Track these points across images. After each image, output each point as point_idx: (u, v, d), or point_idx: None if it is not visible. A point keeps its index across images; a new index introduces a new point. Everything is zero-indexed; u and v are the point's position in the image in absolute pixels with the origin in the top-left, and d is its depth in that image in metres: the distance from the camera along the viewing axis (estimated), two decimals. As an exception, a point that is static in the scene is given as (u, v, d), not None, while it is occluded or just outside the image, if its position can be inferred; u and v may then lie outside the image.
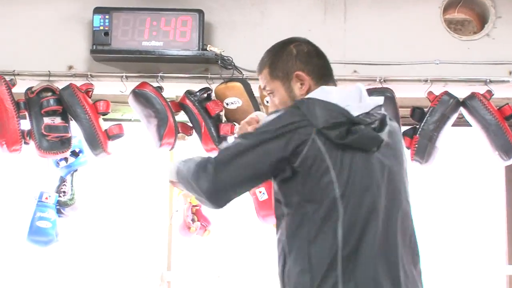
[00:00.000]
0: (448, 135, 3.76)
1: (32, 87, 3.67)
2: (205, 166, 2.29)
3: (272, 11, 3.84)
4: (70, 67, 3.77)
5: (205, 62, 3.74)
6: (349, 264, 2.18)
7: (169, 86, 3.74)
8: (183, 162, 2.40)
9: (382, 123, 2.35)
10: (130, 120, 4.10)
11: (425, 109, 3.71)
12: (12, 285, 4.23)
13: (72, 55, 3.77)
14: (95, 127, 3.61)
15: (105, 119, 3.73)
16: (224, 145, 2.32)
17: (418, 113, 3.72)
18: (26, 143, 3.62)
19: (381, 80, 3.71)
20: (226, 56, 3.68)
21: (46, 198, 3.88)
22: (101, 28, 3.64)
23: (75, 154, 3.95)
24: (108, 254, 4.33)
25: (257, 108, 3.69)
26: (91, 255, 4.32)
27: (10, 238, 4.23)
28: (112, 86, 3.75)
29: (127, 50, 3.65)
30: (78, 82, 3.69)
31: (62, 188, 3.97)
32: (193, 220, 4.04)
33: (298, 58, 2.44)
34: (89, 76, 3.72)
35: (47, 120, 3.62)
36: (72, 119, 3.66)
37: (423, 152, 3.65)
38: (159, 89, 3.67)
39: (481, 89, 3.71)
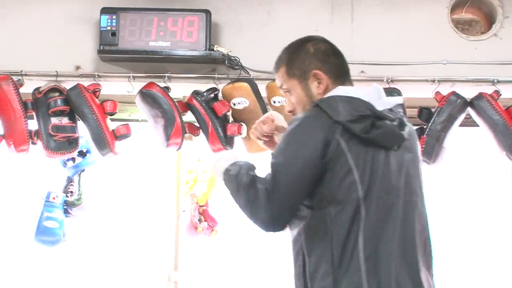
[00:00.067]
0: (456, 135, 3.75)
1: (40, 87, 3.68)
2: (255, 196, 2.26)
3: (279, 11, 3.84)
4: (78, 67, 3.77)
5: (212, 62, 3.74)
6: (372, 265, 2.18)
7: (176, 86, 3.74)
8: (234, 175, 2.37)
9: (402, 123, 2.36)
10: (137, 120, 4.10)
11: (433, 109, 3.70)
12: (20, 285, 4.24)
13: (79, 56, 3.77)
14: (102, 127, 3.61)
15: (112, 119, 3.73)
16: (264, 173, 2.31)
17: (425, 113, 3.71)
18: (33, 143, 3.63)
19: (388, 80, 3.70)
20: (233, 56, 3.68)
21: (54, 198, 3.89)
22: (108, 28, 3.64)
23: (82, 154, 3.96)
24: (115, 254, 4.33)
25: (264, 108, 3.69)
26: (98, 255, 4.32)
27: (18, 238, 4.23)
28: (119, 86, 3.76)
29: (134, 50, 3.66)
30: (86, 82, 3.70)
31: (69, 188, 3.98)
32: (200, 220, 4.04)
33: (315, 57, 2.42)
34: (96, 76, 3.73)
35: (54, 120, 3.62)
36: (80, 119, 3.67)
37: (431, 152, 3.64)
38: (166, 89, 3.67)
39: (488, 89, 3.71)
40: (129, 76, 3.72)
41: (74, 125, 3.66)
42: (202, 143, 3.76)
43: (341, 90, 2.36)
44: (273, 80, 3.65)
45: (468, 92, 3.71)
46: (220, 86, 3.71)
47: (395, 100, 2.40)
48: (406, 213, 2.27)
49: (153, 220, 4.31)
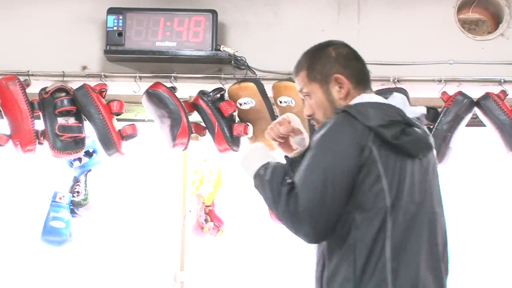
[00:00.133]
0: (462, 135, 3.74)
1: (46, 87, 3.68)
2: (296, 210, 2.19)
3: (285, 11, 3.84)
4: (84, 68, 3.78)
5: (218, 62, 3.74)
6: (398, 276, 2.17)
7: (182, 87, 3.74)
8: (268, 180, 2.30)
9: (426, 132, 2.37)
10: (143, 120, 4.10)
11: (439, 109, 3.70)
12: (26, 284, 4.24)
13: (86, 56, 3.78)
14: (108, 127, 3.61)
15: (118, 120, 3.74)
16: (299, 181, 2.23)
17: (432, 113, 3.70)
18: (40, 143, 3.63)
19: (395, 80, 3.70)
20: (240, 56, 3.68)
21: (60, 198, 3.89)
22: (115, 28, 3.65)
23: (88, 154, 3.96)
24: (121, 254, 4.33)
25: (270, 109, 3.69)
26: (104, 255, 4.33)
27: (24, 238, 4.24)
28: (126, 86, 3.76)
29: (140, 50, 3.66)
30: (92, 83, 3.70)
31: (76, 188, 3.99)
32: (206, 221, 4.04)
33: (337, 61, 2.40)
34: (103, 76, 3.73)
35: (61, 120, 3.63)
36: (86, 119, 3.67)
37: (437, 152, 3.62)
38: (173, 89, 3.68)
39: (495, 89, 3.70)
40: (136, 76, 3.72)
41: (81, 125, 3.67)
42: (208, 143, 3.77)
43: (366, 97, 2.35)
44: (279, 80, 3.67)
45: (475, 92, 3.70)
46: (226, 86, 3.71)
47: (420, 110, 2.40)
48: (430, 224, 2.27)
49: (159, 220, 4.31)
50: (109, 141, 3.62)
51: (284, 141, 2.55)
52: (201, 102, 3.67)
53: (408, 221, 2.21)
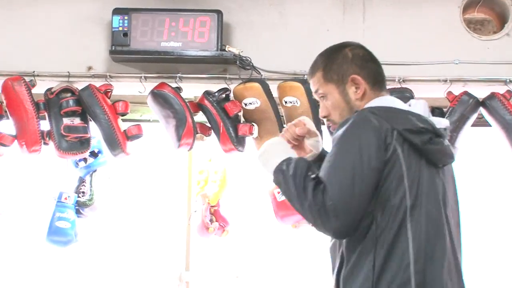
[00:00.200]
0: (468, 135, 3.74)
1: (52, 88, 3.69)
2: (323, 205, 2.15)
3: (290, 11, 3.83)
4: (89, 68, 3.78)
5: (223, 62, 3.74)
6: (423, 279, 2.15)
7: (187, 87, 3.74)
8: (291, 175, 2.25)
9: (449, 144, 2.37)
10: (149, 120, 4.11)
11: (444, 109, 3.69)
12: (32, 285, 4.25)
13: (91, 56, 3.78)
14: (114, 128, 3.62)
15: (124, 120, 3.74)
16: (325, 176, 2.25)
17: (437, 113, 3.69)
18: (45, 143, 3.64)
19: (400, 80, 3.69)
20: (245, 57, 3.68)
21: (65, 199, 3.90)
22: (120, 29, 3.65)
23: (94, 154, 3.97)
24: (126, 255, 4.34)
25: (275, 109, 3.69)
26: (109, 256, 4.33)
27: (30, 238, 4.24)
28: (131, 86, 3.76)
29: (146, 50, 3.66)
30: (97, 83, 3.71)
31: (81, 189, 3.99)
32: (211, 221, 4.04)
33: (354, 62, 2.40)
34: (108, 76, 3.74)
35: (66, 121, 3.63)
36: (91, 119, 3.67)
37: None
38: (178, 89, 3.68)
39: (501, 89, 3.70)
40: (141, 77, 3.73)
41: (86, 125, 3.67)
42: (214, 143, 3.77)
43: (387, 100, 2.35)
44: (285, 80, 3.67)
45: (480, 92, 3.70)
46: (232, 87, 3.71)
47: (445, 122, 2.40)
48: (450, 234, 2.26)
49: (164, 221, 4.31)
50: (115, 142, 3.62)
51: (298, 143, 2.54)
52: (206, 102, 3.68)
53: (433, 227, 2.20)
